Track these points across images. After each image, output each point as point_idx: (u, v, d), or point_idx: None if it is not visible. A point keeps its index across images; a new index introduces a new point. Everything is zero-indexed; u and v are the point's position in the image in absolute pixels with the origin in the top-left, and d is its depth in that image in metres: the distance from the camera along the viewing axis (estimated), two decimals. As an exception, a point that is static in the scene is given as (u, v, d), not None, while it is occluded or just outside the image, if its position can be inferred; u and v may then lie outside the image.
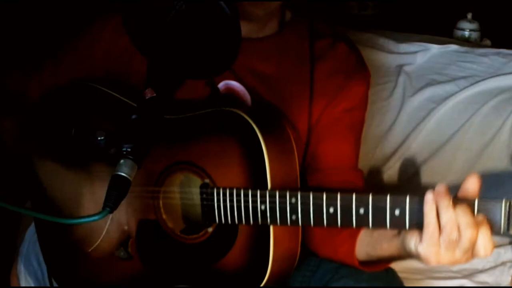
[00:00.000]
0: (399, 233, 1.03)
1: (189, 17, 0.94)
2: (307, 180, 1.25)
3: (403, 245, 1.00)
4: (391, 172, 1.60)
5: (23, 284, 1.44)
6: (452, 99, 1.65)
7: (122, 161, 0.89)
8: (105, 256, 1.19)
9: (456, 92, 1.65)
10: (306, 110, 1.20)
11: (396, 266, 1.23)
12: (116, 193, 0.87)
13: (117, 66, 1.22)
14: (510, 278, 1.41)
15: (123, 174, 0.88)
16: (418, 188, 1.57)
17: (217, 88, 1.21)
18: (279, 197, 1.06)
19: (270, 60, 1.22)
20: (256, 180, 1.08)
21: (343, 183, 1.22)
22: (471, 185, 0.94)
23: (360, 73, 1.26)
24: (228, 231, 1.11)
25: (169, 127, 1.14)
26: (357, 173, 1.26)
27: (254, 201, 1.07)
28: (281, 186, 1.08)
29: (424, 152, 1.62)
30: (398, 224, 0.99)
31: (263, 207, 1.07)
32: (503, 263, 1.42)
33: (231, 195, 1.08)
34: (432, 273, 1.38)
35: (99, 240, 1.17)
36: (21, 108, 1.23)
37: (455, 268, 1.38)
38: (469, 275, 1.40)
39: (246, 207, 1.08)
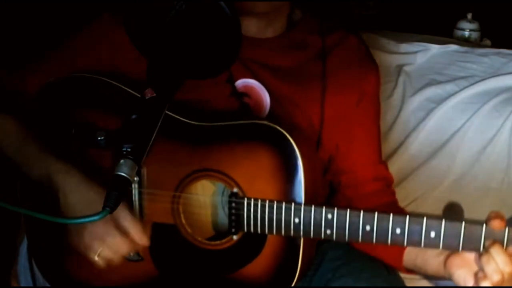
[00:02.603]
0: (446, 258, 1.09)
1: (189, 17, 0.94)
2: (337, 181, 1.27)
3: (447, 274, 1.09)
4: (391, 172, 1.59)
5: (23, 284, 1.44)
6: (452, 99, 1.64)
7: (122, 161, 0.89)
8: None
9: (456, 92, 1.65)
10: (319, 103, 1.22)
11: (396, 266, 1.24)
12: (116, 193, 0.87)
13: (125, 61, 1.21)
14: (510, 278, 1.40)
15: (123, 174, 0.88)
16: (418, 188, 1.57)
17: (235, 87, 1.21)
18: (314, 212, 1.06)
19: (283, 55, 1.23)
20: (288, 191, 1.09)
21: (376, 180, 1.26)
22: (498, 214, 1.02)
23: (373, 62, 1.29)
24: (255, 240, 1.11)
25: (195, 133, 1.14)
26: (385, 166, 1.30)
27: (288, 214, 1.07)
28: (311, 195, 1.09)
29: (424, 152, 1.62)
30: (431, 245, 1.04)
31: (296, 220, 1.07)
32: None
33: (263, 206, 1.08)
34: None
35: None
36: (20, 108, 1.21)
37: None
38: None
39: (279, 219, 1.08)
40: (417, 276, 1.33)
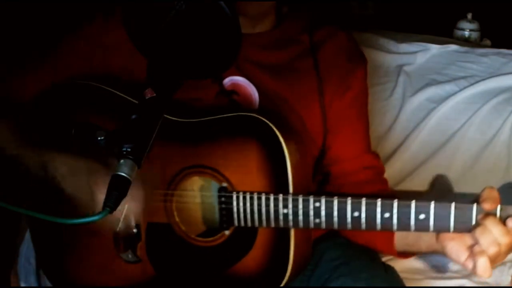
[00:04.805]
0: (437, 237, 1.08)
1: (189, 17, 0.94)
2: (326, 172, 1.28)
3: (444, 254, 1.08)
4: (391, 172, 1.59)
5: (23, 284, 1.44)
6: (452, 99, 1.65)
7: (122, 161, 0.88)
8: (110, 259, 1.18)
9: (456, 92, 1.65)
10: (316, 99, 1.22)
11: (396, 266, 1.24)
12: (116, 193, 0.87)
13: (118, 63, 1.21)
14: (510, 278, 1.40)
15: (123, 174, 0.88)
16: (418, 188, 1.57)
17: (223, 85, 1.21)
18: (302, 201, 1.06)
19: (271, 51, 1.23)
20: (277, 184, 1.09)
21: (364, 169, 1.26)
22: (492, 195, 1.01)
23: (361, 57, 1.30)
24: (247, 234, 1.12)
25: (183, 130, 1.14)
26: (374, 156, 1.31)
27: (276, 205, 1.08)
28: (299, 187, 1.09)
29: (424, 152, 1.62)
30: (422, 228, 1.03)
31: (285, 211, 1.07)
32: (503, 263, 1.42)
33: (251, 199, 1.09)
34: (432, 273, 1.38)
35: (108, 243, 1.16)
36: (18, 108, 1.21)
37: (455, 268, 1.38)
38: (469, 275, 1.40)
39: (268, 211, 1.08)
40: (419, 276, 1.33)
